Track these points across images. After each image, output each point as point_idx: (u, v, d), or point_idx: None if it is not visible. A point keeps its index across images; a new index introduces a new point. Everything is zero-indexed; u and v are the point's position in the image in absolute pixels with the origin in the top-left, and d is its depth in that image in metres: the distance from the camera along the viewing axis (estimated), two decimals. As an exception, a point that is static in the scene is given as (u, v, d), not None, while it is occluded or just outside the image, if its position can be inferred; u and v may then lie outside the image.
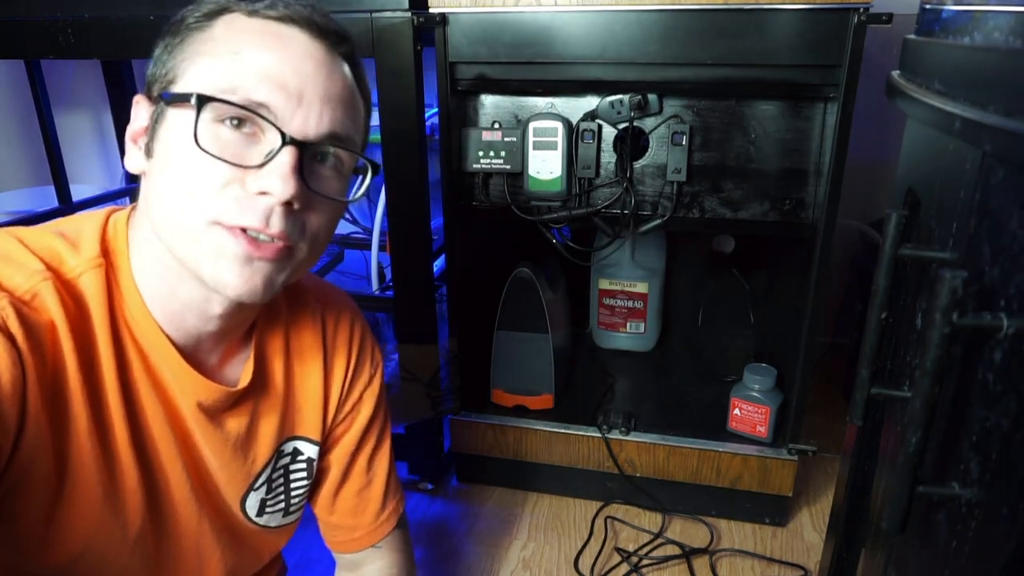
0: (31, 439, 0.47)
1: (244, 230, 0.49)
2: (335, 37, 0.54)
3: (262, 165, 0.49)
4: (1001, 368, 0.37)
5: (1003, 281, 0.37)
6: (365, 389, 0.72)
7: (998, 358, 0.37)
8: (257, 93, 0.49)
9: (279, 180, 0.48)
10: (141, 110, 0.53)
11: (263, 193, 0.49)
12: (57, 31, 1.13)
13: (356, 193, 0.58)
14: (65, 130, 1.66)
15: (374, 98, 1.14)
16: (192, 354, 0.57)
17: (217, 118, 0.49)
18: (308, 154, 0.51)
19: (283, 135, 0.49)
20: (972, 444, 0.40)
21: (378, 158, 1.22)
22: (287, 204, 0.50)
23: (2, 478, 0.46)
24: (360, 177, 0.59)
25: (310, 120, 0.51)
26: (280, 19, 0.52)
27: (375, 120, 1.10)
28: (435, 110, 1.13)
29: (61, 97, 1.75)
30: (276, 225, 0.50)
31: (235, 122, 0.49)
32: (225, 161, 0.48)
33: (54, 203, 1.58)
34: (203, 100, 0.48)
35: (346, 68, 0.55)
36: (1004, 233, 0.37)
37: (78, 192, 1.63)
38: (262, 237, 0.50)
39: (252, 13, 0.52)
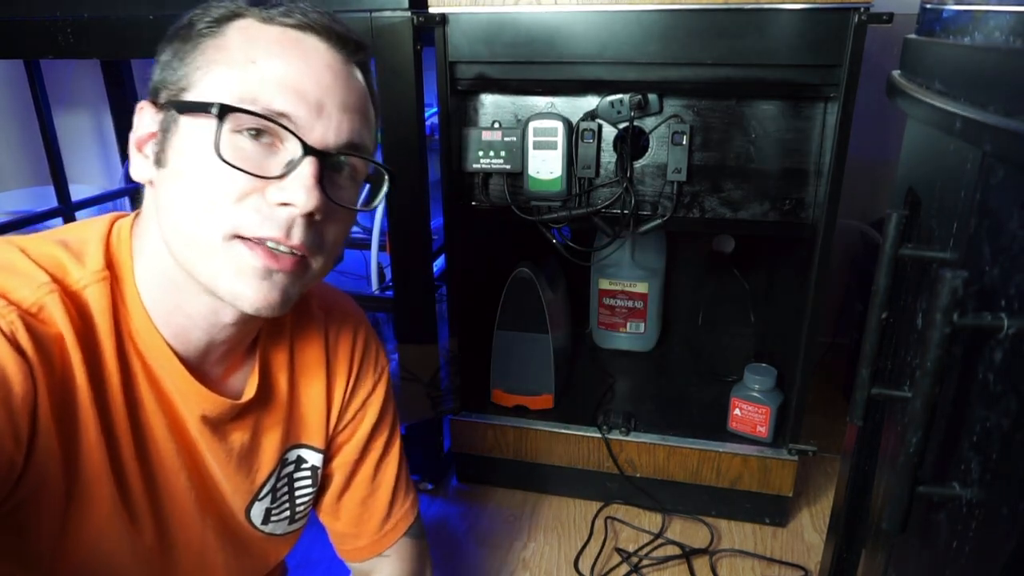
0: (42, 451, 0.46)
1: (262, 243, 0.49)
2: (353, 46, 0.53)
3: (283, 176, 0.49)
4: (1001, 368, 0.37)
5: (1003, 281, 0.37)
6: (368, 396, 0.71)
7: (998, 358, 0.37)
8: (277, 103, 0.48)
9: (303, 191, 0.48)
10: (146, 116, 0.52)
11: (284, 204, 0.48)
12: (57, 31, 1.13)
13: (373, 201, 0.57)
14: (65, 130, 1.66)
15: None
16: (197, 367, 0.57)
17: (235, 128, 0.48)
18: (327, 164, 0.51)
19: (305, 145, 0.49)
20: (972, 444, 0.40)
21: (378, 158, 1.21)
22: (309, 215, 0.49)
23: (15, 490, 0.46)
24: (369, 184, 0.58)
25: (330, 130, 0.50)
26: (298, 27, 0.51)
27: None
28: (435, 110, 1.13)
29: (61, 97, 1.75)
30: (297, 236, 0.49)
31: (253, 132, 0.48)
32: (247, 172, 0.48)
33: (53, 203, 1.58)
34: (225, 111, 0.47)
35: (360, 76, 0.54)
36: (1004, 233, 0.37)
37: (77, 192, 1.63)
38: (281, 249, 0.50)
39: (267, 20, 0.51)
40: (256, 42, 0.50)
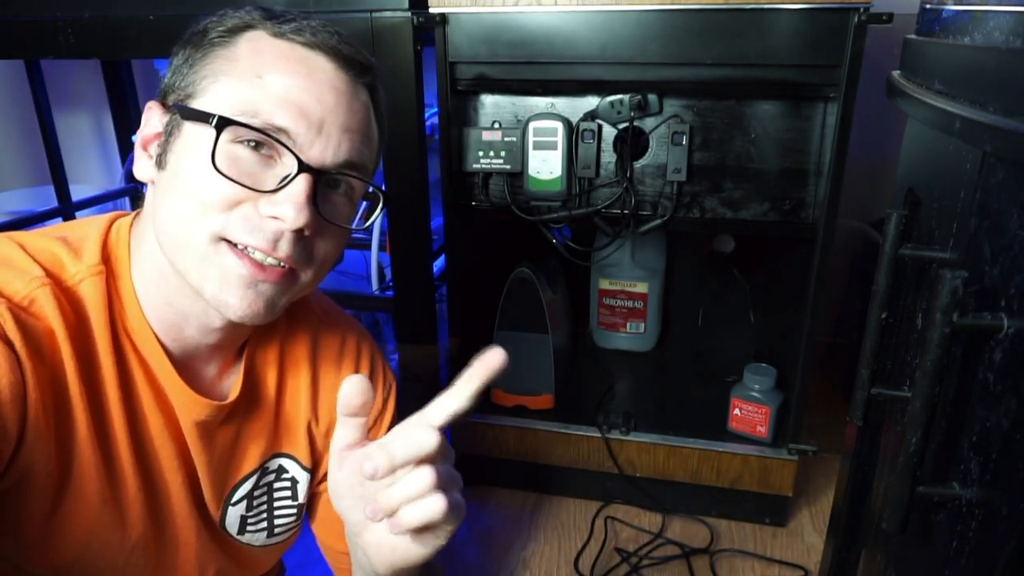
0: (32, 443, 0.47)
1: (248, 250, 0.50)
2: (359, 68, 0.54)
3: (276, 190, 0.49)
4: (1001, 368, 0.37)
5: (1003, 281, 0.37)
6: (380, 415, 0.69)
7: (998, 358, 0.37)
8: (278, 118, 0.49)
9: (293, 208, 0.49)
10: (154, 116, 0.53)
11: (274, 218, 0.49)
12: (57, 31, 1.13)
13: (365, 222, 0.58)
14: (65, 130, 1.66)
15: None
16: (189, 366, 0.56)
17: (235, 139, 0.49)
18: (322, 181, 0.52)
19: (300, 162, 0.49)
20: (972, 444, 0.40)
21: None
22: (298, 231, 0.50)
23: (1, 479, 0.46)
24: (367, 203, 0.59)
25: (328, 149, 0.51)
26: (307, 45, 0.52)
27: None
28: (435, 110, 1.13)
29: (61, 97, 1.75)
30: (284, 250, 0.50)
31: (252, 144, 0.49)
32: (240, 184, 0.49)
33: (54, 203, 1.58)
34: (224, 123, 0.48)
35: (366, 97, 0.55)
36: (1004, 233, 0.37)
37: (78, 192, 1.63)
38: (268, 260, 0.50)
39: (278, 35, 0.52)
40: (264, 56, 0.51)
